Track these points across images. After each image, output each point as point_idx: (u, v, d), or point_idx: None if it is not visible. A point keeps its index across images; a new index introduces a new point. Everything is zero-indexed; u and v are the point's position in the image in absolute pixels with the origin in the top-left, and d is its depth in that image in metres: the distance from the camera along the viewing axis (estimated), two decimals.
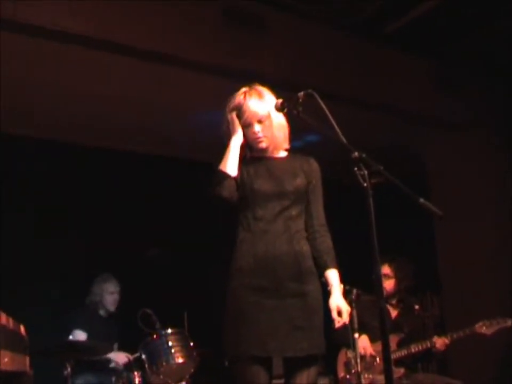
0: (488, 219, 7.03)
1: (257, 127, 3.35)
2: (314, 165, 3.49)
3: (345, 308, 3.27)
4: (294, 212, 3.35)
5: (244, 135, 3.40)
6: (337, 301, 3.28)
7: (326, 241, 3.41)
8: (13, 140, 6.13)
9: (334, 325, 3.26)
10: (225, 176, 3.29)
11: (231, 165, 3.31)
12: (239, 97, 3.41)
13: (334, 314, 3.25)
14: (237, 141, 3.35)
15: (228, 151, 3.33)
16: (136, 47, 5.27)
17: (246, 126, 3.37)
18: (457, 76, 6.91)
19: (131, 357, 5.55)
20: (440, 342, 5.04)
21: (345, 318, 3.25)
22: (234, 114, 3.36)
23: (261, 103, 3.36)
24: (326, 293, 3.33)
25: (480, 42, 6.51)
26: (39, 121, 6.40)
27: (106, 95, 6.14)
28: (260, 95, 3.38)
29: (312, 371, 3.26)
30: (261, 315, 3.17)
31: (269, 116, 3.36)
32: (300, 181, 3.39)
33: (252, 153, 3.44)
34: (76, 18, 4.94)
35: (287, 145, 3.49)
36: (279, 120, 3.40)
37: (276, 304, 3.19)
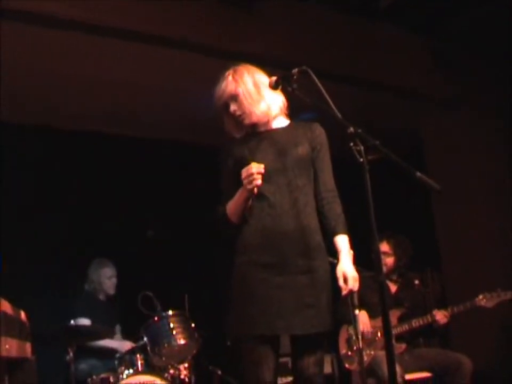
0: (486, 194, 7.03)
1: (232, 106, 3.35)
2: (318, 131, 3.42)
3: (351, 274, 3.19)
4: (300, 182, 3.28)
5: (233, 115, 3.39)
6: (344, 267, 3.20)
7: (334, 208, 3.34)
8: (7, 127, 6.11)
9: (341, 294, 3.20)
10: (230, 226, 3.27)
11: (237, 214, 3.24)
12: (217, 85, 3.41)
13: (341, 282, 3.18)
14: (247, 194, 3.19)
15: (239, 198, 3.22)
16: (127, 29, 5.25)
17: (226, 107, 3.37)
18: (453, 52, 6.89)
19: (135, 345, 5.57)
20: (440, 315, 5.05)
21: (351, 285, 3.18)
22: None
23: (228, 82, 3.36)
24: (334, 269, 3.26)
25: (475, 17, 6.47)
26: (29, 107, 6.37)
27: (97, 79, 6.13)
28: (229, 75, 3.38)
29: (319, 349, 3.23)
30: (269, 292, 3.12)
31: (238, 93, 3.32)
32: (302, 150, 3.32)
33: (251, 130, 3.40)
34: (63, 1, 4.90)
35: (279, 112, 3.43)
36: (252, 93, 3.33)
37: (284, 281, 3.13)
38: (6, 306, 3.87)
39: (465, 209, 7.10)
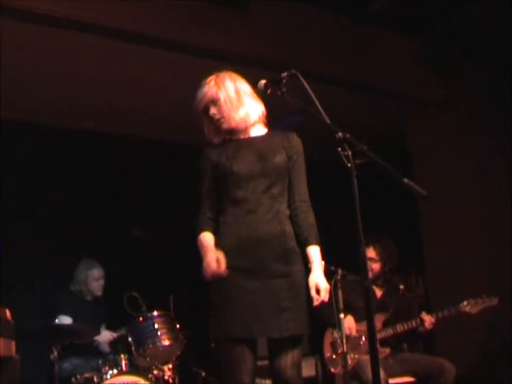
0: (472, 198, 7.05)
1: (212, 110, 3.41)
2: (294, 140, 3.48)
3: (324, 286, 3.28)
4: (275, 190, 3.34)
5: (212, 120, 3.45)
6: (316, 278, 3.29)
7: (307, 218, 3.41)
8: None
9: (312, 303, 3.28)
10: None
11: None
12: (199, 89, 3.46)
13: (313, 292, 3.27)
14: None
15: (203, 253, 3.28)
16: (119, 28, 5.23)
17: (207, 111, 3.42)
18: (441, 55, 6.90)
19: (115, 335, 5.57)
20: (428, 319, 5.07)
21: (324, 296, 3.27)
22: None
23: (210, 86, 3.42)
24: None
25: (463, 22, 6.49)
26: (21, 104, 6.35)
27: (91, 77, 6.13)
28: (211, 80, 3.44)
29: (296, 351, 3.27)
30: (246, 296, 3.18)
31: (219, 97, 3.38)
32: (279, 159, 3.38)
33: (229, 136, 3.46)
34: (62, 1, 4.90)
35: (257, 120, 3.47)
36: (232, 99, 3.39)
37: (261, 286, 3.20)
38: None
39: (450, 213, 7.12)
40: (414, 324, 5.11)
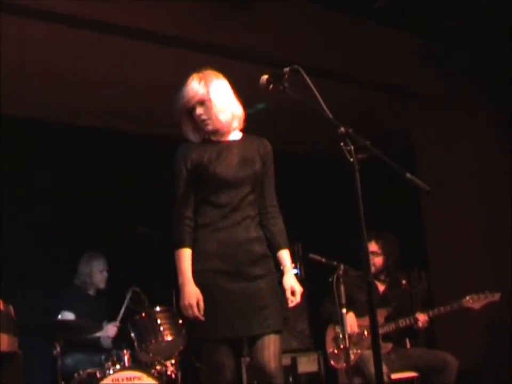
0: (475, 194, 7.05)
1: (198, 110, 3.42)
2: (268, 147, 3.56)
3: (298, 288, 3.40)
4: (253, 196, 3.43)
5: (193, 119, 3.46)
6: (291, 281, 3.41)
7: (278, 223, 3.52)
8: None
9: (287, 304, 3.38)
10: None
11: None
12: (182, 88, 3.48)
13: (288, 294, 3.39)
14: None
15: (180, 271, 3.38)
16: (121, 25, 5.23)
17: (190, 110, 3.43)
18: (445, 52, 6.89)
19: (117, 323, 5.56)
20: (422, 318, 5.08)
21: (298, 298, 3.39)
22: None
23: (199, 86, 3.42)
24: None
25: (468, 18, 6.48)
26: (22, 101, 6.35)
27: (94, 74, 6.12)
28: (200, 78, 3.45)
29: (277, 344, 3.33)
30: (226, 298, 3.27)
31: (209, 97, 3.39)
32: (257, 166, 3.45)
33: (209, 137, 3.49)
34: None
35: (238, 125, 3.52)
36: (222, 100, 3.42)
37: (239, 287, 3.29)
38: None
39: (453, 209, 7.12)
40: (408, 321, 5.12)
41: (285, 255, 3.48)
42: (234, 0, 5.61)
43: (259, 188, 3.46)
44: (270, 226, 3.48)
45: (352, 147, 2.66)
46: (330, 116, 2.84)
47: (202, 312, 3.23)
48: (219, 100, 3.41)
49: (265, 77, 3.23)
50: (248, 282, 3.31)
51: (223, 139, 3.47)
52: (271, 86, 3.22)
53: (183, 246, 3.36)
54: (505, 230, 6.69)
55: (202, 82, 3.42)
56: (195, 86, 3.42)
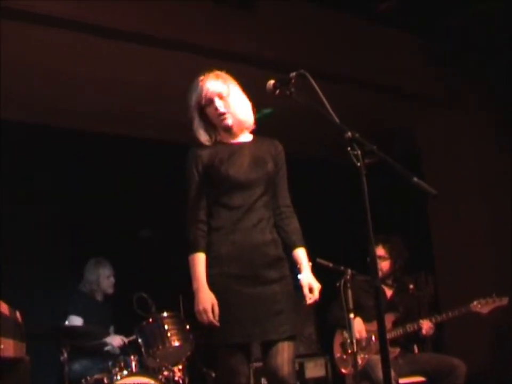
0: (481, 197, 7.04)
1: (218, 103, 3.40)
2: (279, 148, 3.55)
3: (316, 285, 3.35)
4: (266, 197, 3.42)
5: (208, 117, 3.45)
6: (309, 278, 3.36)
7: (293, 222, 3.50)
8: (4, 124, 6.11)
9: (305, 301, 3.34)
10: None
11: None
12: (196, 84, 3.47)
13: (306, 290, 3.33)
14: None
15: (195, 276, 3.35)
16: (124, 30, 5.24)
17: (208, 104, 3.42)
18: (449, 53, 6.90)
19: (126, 340, 5.57)
20: (426, 325, 5.07)
21: (316, 295, 3.33)
22: None
23: (219, 81, 3.43)
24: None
25: (472, 18, 6.48)
26: (25, 105, 6.36)
27: (95, 78, 6.13)
28: (217, 76, 3.46)
29: (291, 350, 3.31)
30: (241, 302, 3.24)
31: (229, 93, 3.41)
32: (270, 166, 3.44)
33: (220, 138, 3.48)
34: (63, 1, 4.90)
35: (251, 125, 3.52)
36: (241, 97, 3.46)
37: (255, 291, 3.27)
38: (3, 307, 3.88)
39: (460, 212, 7.11)
40: (412, 328, 5.11)
41: (301, 253, 3.44)
42: (235, 3, 5.61)
43: (272, 189, 3.45)
44: (284, 226, 3.45)
45: (359, 151, 2.66)
46: (337, 120, 2.84)
47: (217, 318, 3.20)
48: (238, 97, 3.43)
49: (271, 82, 3.23)
50: (264, 286, 3.28)
51: (234, 141, 3.47)
52: (277, 91, 3.23)
53: (197, 250, 3.35)
54: (511, 233, 6.68)
55: (221, 80, 3.43)
56: (213, 81, 3.42)
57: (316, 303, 3.38)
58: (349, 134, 2.69)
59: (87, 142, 6.75)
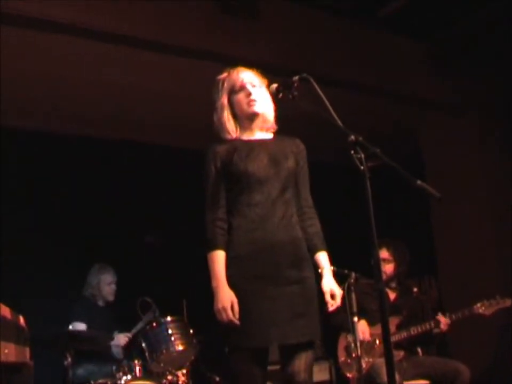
0: (484, 200, 7.04)
1: (250, 89, 3.36)
2: (301, 146, 3.48)
3: (338, 291, 3.28)
4: (288, 194, 3.32)
5: (235, 107, 3.40)
6: (330, 283, 3.29)
7: (315, 224, 3.41)
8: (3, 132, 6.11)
9: (327, 308, 3.27)
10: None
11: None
12: (229, 73, 3.44)
13: (328, 297, 3.26)
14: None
15: (214, 275, 3.23)
16: (127, 35, 5.26)
17: (239, 90, 3.38)
18: (453, 58, 6.90)
19: (129, 334, 5.57)
20: (444, 320, 5.05)
21: (339, 301, 3.27)
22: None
23: (253, 74, 3.43)
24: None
25: (476, 23, 6.49)
26: (27, 112, 6.37)
27: (98, 83, 6.15)
28: (251, 69, 3.45)
29: (310, 355, 3.24)
30: (261, 303, 3.14)
31: (261, 86, 3.39)
32: (291, 163, 3.37)
33: (241, 133, 3.41)
34: (64, 6, 4.91)
35: (273, 125, 3.48)
36: (268, 96, 3.40)
37: (276, 292, 3.16)
38: (5, 311, 3.86)
39: (463, 216, 7.11)
40: (429, 325, 5.09)
41: (322, 257, 3.36)
42: (240, 10, 5.62)
43: (293, 187, 3.36)
44: (307, 228, 3.36)
45: (363, 155, 2.66)
46: (340, 124, 2.84)
47: (237, 316, 3.10)
48: (266, 94, 3.39)
49: (274, 85, 3.25)
50: (285, 287, 3.17)
51: (253, 138, 3.41)
52: (280, 95, 3.24)
53: (215, 248, 3.23)
54: None
55: (254, 73, 3.43)
56: (248, 72, 3.42)
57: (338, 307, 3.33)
58: (352, 137, 2.70)
59: (91, 147, 6.77)
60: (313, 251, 3.36)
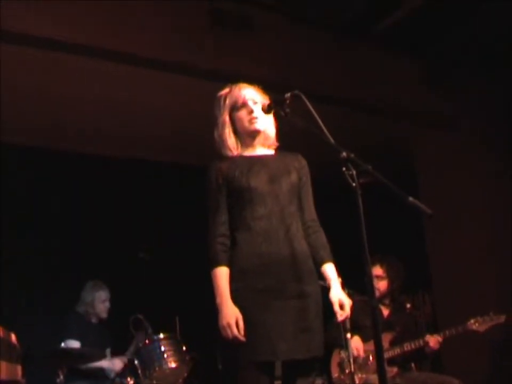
0: (478, 216, 7.04)
1: (253, 106, 3.36)
2: (303, 162, 3.49)
3: (347, 301, 3.26)
4: (292, 208, 3.32)
5: (236, 123, 3.39)
6: (339, 294, 3.27)
7: (320, 237, 3.41)
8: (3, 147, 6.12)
9: (336, 318, 3.25)
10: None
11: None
12: (230, 89, 3.44)
13: (336, 307, 3.24)
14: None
15: (218, 292, 3.19)
16: (120, 51, 5.26)
17: (241, 107, 3.38)
18: (446, 73, 6.92)
19: (125, 359, 5.55)
20: (433, 340, 5.04)
21: (348, 312, 3.25)
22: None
23: (255, 91, 3.43)
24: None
25: (467, 36, 6.52)
26: (23, 128, 6.37)
27: (93, 101, 6.15)
28: (252, 86, 3.45)
29: (312, 375, 3.25)
30: (267, 317, 3.11)
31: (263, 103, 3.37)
32: (294, 177, 3.37)
33: (242, 150, 3.41)
34: (59, 25, 4.93)
35: (274, 142, 3.49)
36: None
37: (281, 305, 3.14)
38: None
39: (457, 231, 7.11)
40: (418, 344, 5.08)
41: (329, 269, 3.33)
42: (235, 26, 5.64)
43: (297, 201, 3.37)
44: (312, 241, 3.36)
45: (354, 172, 2.66)
46: (332, 140, 2.85)
47: (242, 332, 3.07)
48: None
49: (266, 102, 3.25)
50: (291, 300, 3.15)
51: (253, 154, 3.41)
52: (272, 112, 3.25)
53: (218, 265, 3.20)
54: (510, 252, 6.67)
55: (256, 90, 3.43)
56: (250, 89, 3.43)
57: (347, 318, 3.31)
58: (344, 154, 2.70)
59: (87, 165, 6.77)
60: (319, 263, 3.35)
